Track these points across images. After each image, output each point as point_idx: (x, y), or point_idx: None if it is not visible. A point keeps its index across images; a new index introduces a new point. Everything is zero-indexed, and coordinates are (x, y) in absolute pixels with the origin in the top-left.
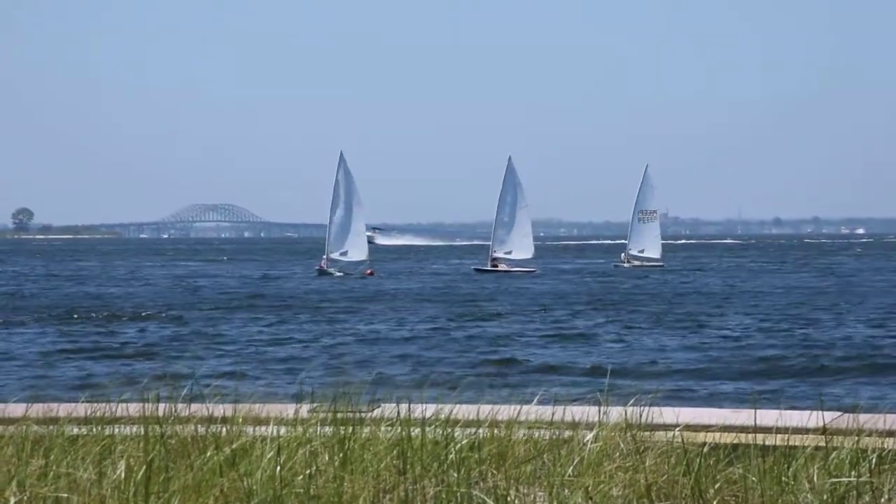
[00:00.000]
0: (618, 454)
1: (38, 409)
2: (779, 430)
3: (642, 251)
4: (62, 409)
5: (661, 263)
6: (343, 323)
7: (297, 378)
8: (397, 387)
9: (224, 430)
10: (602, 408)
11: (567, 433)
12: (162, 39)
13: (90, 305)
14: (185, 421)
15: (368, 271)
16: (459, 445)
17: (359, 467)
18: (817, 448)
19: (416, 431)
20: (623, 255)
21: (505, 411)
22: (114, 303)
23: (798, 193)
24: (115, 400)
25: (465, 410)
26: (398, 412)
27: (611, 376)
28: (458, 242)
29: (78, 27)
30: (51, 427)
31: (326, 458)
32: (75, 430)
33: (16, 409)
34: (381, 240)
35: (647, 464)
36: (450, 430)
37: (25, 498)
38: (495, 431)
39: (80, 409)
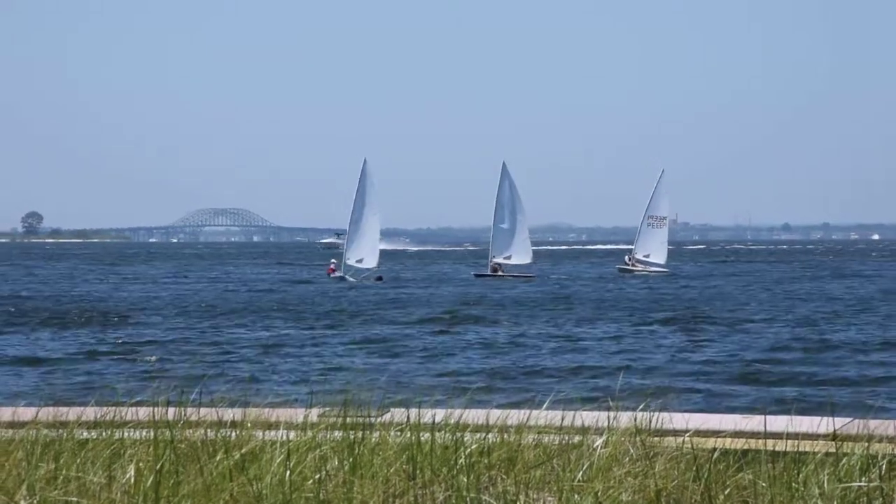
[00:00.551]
0: (627, 459)
1: (48, 413)
2: (789, 436)
3: (647, 256)
4: (72, 413)
5: (665, 270)
6: (359, 329)
7: (307, 383)
8: (407, 390)
9: (234, 434)
10: (612, 413)
11: (576, 438)
12: (174, 44)
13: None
14: (194, 425)
15: (378, 277)
16: (469, 450)
17: (368, 472)
18: (827, 454)
19: (425, 436)
20: (627, 256)
21: (514, 416)
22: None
23: (807, 199)
24: (125, 403)
25: (474, 415)
26: (408, 417)
27: (621, 380)
28: (444, 248)
29: (91, 32)
30: (61, 431)
31: (336, 462)
32: (85, 434)
33: (26, 413)
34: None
35: (656, 469)
36: (459, 435)
37: (35, 502)
38: (505, 436)
39: (90, 412)
